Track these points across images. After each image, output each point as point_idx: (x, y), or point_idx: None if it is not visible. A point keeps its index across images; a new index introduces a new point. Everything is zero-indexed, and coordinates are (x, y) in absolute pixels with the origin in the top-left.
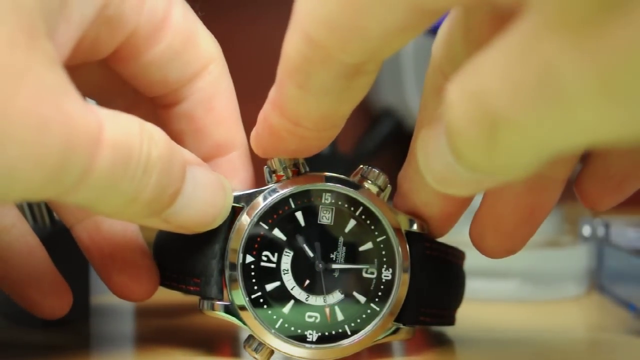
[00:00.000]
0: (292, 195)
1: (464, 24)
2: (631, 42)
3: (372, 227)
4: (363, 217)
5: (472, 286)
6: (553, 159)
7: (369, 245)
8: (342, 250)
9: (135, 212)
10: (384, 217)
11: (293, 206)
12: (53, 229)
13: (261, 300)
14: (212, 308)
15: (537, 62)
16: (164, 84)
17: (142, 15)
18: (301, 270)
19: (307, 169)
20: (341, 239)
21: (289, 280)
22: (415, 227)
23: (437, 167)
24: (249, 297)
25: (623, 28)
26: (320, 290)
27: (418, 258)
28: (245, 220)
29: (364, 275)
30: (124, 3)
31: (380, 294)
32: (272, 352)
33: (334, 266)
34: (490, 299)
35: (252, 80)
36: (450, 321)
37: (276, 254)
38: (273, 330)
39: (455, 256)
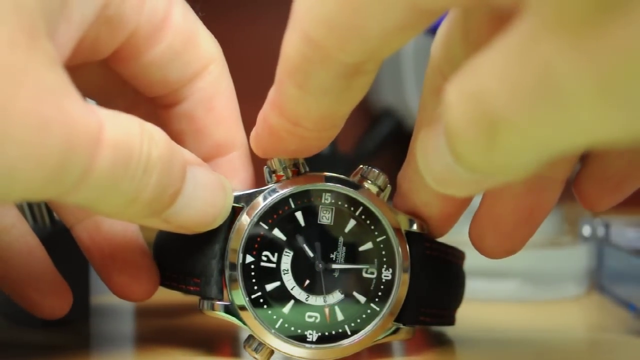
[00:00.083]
0: (292, 195)
1: (463, 24)
2: (629, 42)
3: (372, 227)
4: (363, 217)
5: (472, 286)
6: (552, 159)
7: (369, 245)
8: (342, 250)
9: (136, 212)
10: (384, 217)
11: (293, 206)
12: (53, 229)
13: (261, 300)
14: (212, 308)
15: (536, 63)
16: (164, 84)
17: (142, 16)
18: (301, 270)
19: (307, 169)
20: (341, 239)
21: (289, 280)
22: (415, 227)
23: (437, 167)
24: (249, 297)
25: (621, 29)
26: (320, 290)
27: (418, 258)
28: (245, 220)
29: (364, 275)
30: (125, 3)
31: (380, 294)
32: (272, 352)
33: (334, 266)
34: (490, 299)
35: (252, 80)
36: (450, 321)
37: (276, 254)
38: (273, 330)
39: (455, 256)
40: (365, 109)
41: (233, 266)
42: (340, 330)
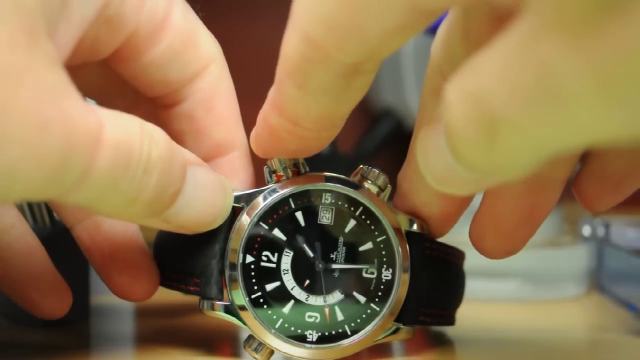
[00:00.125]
0: (292, 195)
1: (463, 24)
2: (629, 42)
3: (372, 227)
4: (363, 217)
5: (472, 286)
6: (552, 159)
7: (369, 245)
8: (342, 250)
9: (136, 212)
10: (384, 217)
11: (293, 206)
12: (53, 229)
13: (261, 300)
14: (212, 308)
15: (535, 63)
16: (165, 84)
17: (142, 16)
18: (301, 270)
19: (307, 169)
20: (341, 239)
21: (289, 280)
22: (415, 227)
23: (437, 166)
24: (249, 297)
25: (621, 29)
26: (320, 290)
27: (418, 258)
28: (245, 220)
29: (364, 275)
30: (125, 3)
31: (380, 294)
32: (272, 352)
33: (334, 266)
34: (490, 299)
35: (252, 80)
36: (450, 321)
37: (276, 254)
38: (273, 330)
39: (455, 256)
40: (365, 109)
41: (233, 266)
42: (340, 330)
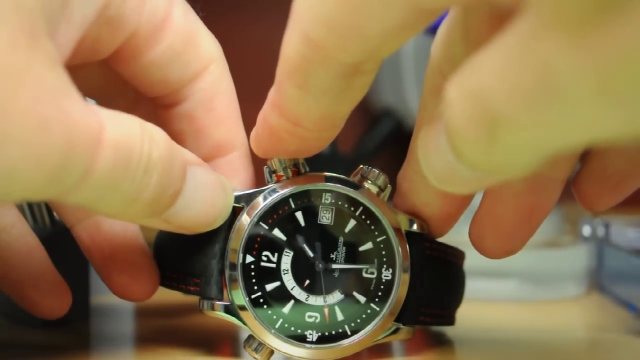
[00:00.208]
0: (292, 195)
1: (463, 23)
2: (629, 41)
3: (372, 227)
4: (363, 217)
5: (472, 286)
6: (552, 157)
7: (369, 245)
8: (342, 250)
9: (136, 212)
10: (384, 217)
11: (293, 206)
12: (53, 229)
13: (261, 300)
14: (212, 308)
15: (535, 61)
16: (165, 84)
17: (142, 16)
18: (301, 270)
19: (307, 169)
20: (341, 239)
21: (289, 280)
22: (415, 227)
23: (438, 165)
24: (249, 297)
25: (621, 27)
26: (320, 290)
27: (418, 258)
28: (245, 220)
29: (364, 275)
30: (125, 3)
31: (380, 294)
32: (272, 352)
33: (334, 266)
34: (490, 299)
35: (252, 80)
36: (450, 321)
37: (276, 254)
38: (273, 330)
39: (455, 256)
40: (365, 109)
41: (233, 266)
42: (340, 330)
